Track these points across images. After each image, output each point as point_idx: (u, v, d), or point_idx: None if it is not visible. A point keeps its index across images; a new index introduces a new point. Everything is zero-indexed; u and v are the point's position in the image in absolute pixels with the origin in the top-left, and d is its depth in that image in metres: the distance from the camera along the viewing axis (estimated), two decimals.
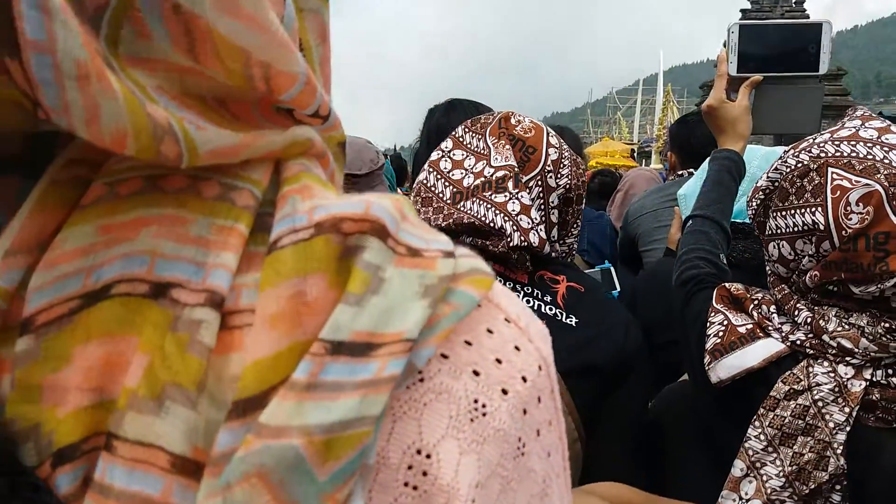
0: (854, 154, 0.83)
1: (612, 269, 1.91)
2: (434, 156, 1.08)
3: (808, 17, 21.81)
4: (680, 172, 2.30)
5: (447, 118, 1.63)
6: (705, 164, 1.63)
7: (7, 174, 0.25)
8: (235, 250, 0.24)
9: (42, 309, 0.22)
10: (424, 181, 1.06)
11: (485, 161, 1.03)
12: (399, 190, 3.60)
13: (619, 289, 1.93)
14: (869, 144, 0.83)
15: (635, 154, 26.86)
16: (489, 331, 0.28)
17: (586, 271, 1.80)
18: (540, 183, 1.04)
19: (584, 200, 1.11)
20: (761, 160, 1.46)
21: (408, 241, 0.26)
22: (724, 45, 1.24)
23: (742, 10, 22.89)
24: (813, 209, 0.84)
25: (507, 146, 1.04)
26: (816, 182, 0.85)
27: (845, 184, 0.82)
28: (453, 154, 1.08)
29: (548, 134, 1.08)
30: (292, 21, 0.29)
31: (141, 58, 0.23)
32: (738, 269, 1.37)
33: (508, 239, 0.94)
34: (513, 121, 1.07)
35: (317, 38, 0.33)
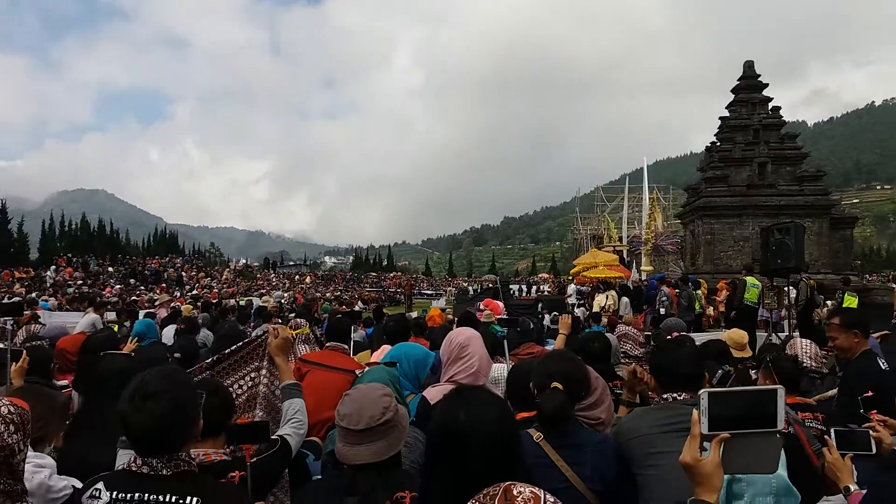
0: None
1: None
2: None
3: (784, 122, 22.50)
4: (665, 396, 2.28)
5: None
6: None
7: None
8: None
9: None
10: None
11: None
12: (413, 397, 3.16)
13: None
14: None
15: (625, 258, 27.17)
16: None
17: None
18: None
19: None
20: None
21: None
22: (697, 408, 1.41)
23: (721, 118, 23.86)
24: None
25: None
26: None
27: None
28: None
29: (545, 502, 1.22)
30: None
31: None
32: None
33: None
34: (514, 492, 1.22)
35: None
